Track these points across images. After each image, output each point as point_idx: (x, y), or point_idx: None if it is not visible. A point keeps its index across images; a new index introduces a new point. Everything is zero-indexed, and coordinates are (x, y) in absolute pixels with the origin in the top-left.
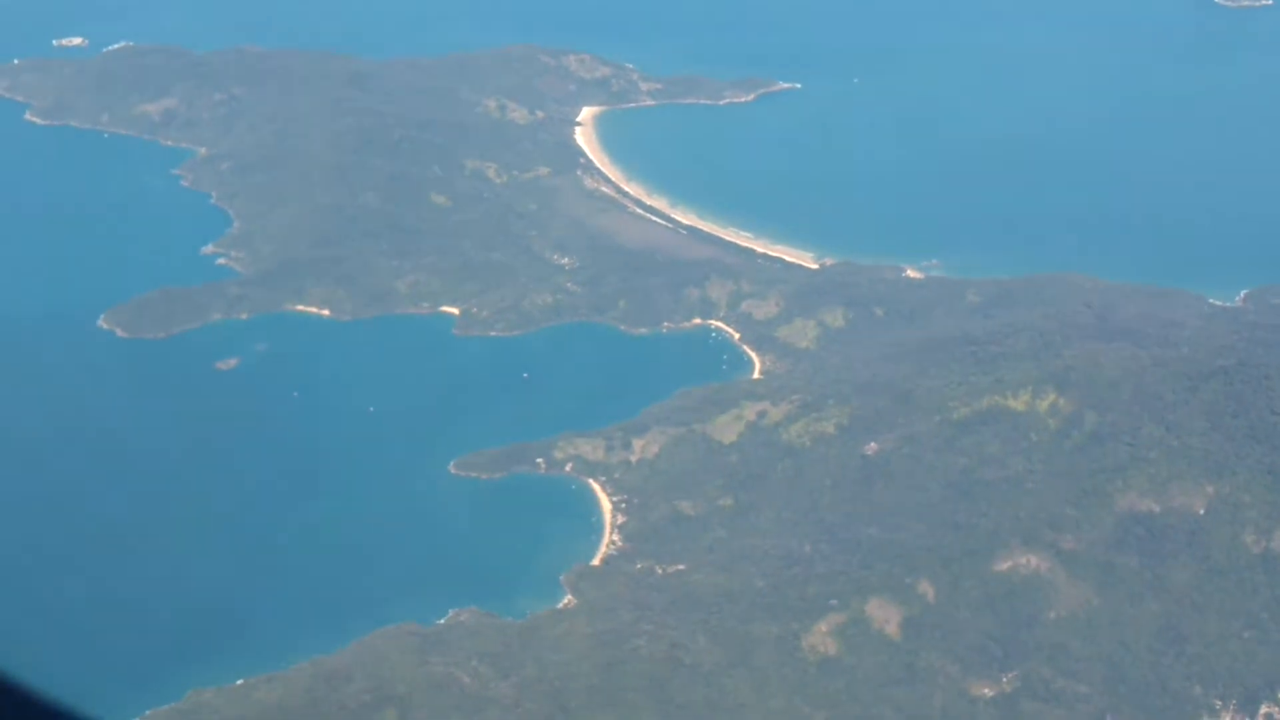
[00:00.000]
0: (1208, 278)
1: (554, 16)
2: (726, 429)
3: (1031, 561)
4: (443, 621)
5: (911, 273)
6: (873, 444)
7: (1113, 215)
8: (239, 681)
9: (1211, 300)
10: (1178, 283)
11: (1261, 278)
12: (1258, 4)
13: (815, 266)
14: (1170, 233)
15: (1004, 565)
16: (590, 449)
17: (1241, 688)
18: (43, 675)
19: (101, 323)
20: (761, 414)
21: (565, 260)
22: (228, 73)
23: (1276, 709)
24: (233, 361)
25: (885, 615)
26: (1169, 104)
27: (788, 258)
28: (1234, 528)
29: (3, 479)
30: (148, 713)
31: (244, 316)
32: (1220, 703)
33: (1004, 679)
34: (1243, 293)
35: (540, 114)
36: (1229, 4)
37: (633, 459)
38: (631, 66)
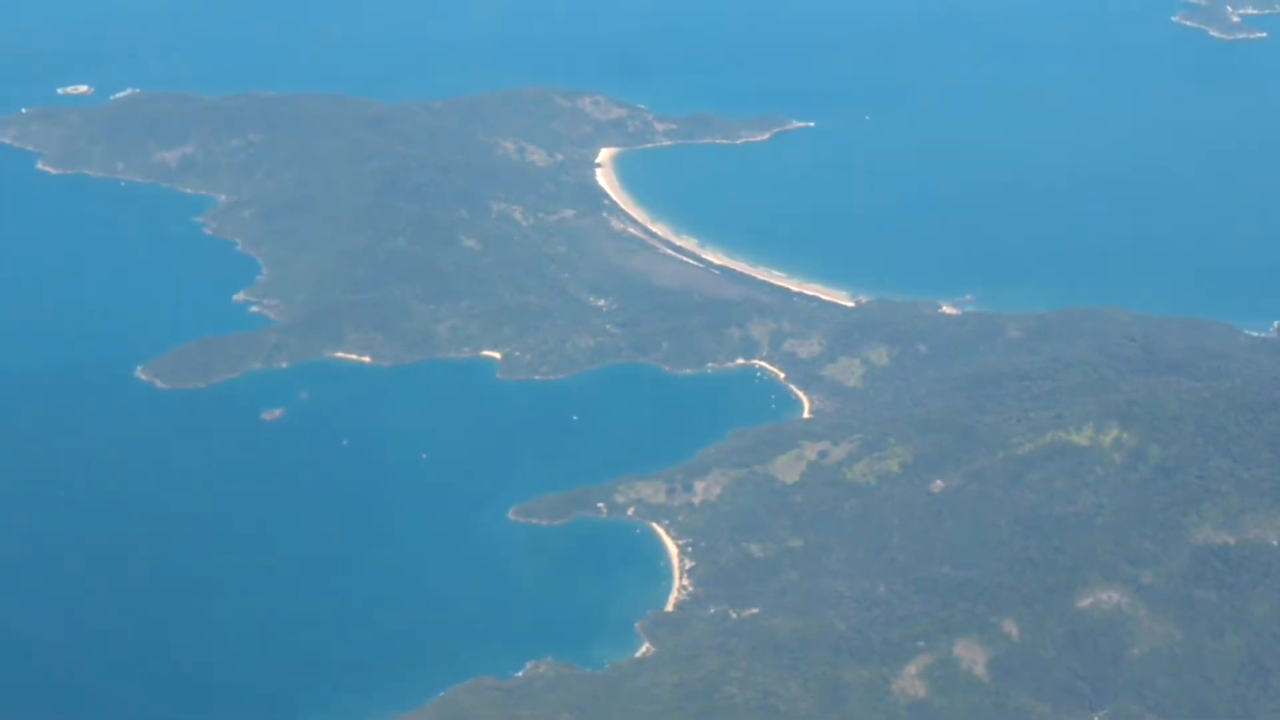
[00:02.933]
0: (1239, 308)
1: (563, 58)
2: (788, 469)
3: (1112, 597)
4: (520, 674)
5: (947, 309)
6: (939, 481)
7: (1139, 247)
8: None
9: (1248, 331)
10: (1210, 314)
11: None
12: (1251, 37)
13: (851, 304)
14: (1198, 263)
15: (1085, 602)
16: (651, 492)
17: None
18: None
19: (140, 374)
20: (823, 453)
21: (601, 302)
22: (243, 118)
23: None
24: (278, 412)
25: (972, 656)
26: (1181, 135)
27: (823, 296)
28: None
29: (57, 538)
30: None
31: (284, 365)
32: None
33: (1095, 718)
34: (1276, 323)
35: (559, 156)
36: (1223, 37)
37: (695, 501)
38: (645, 107)
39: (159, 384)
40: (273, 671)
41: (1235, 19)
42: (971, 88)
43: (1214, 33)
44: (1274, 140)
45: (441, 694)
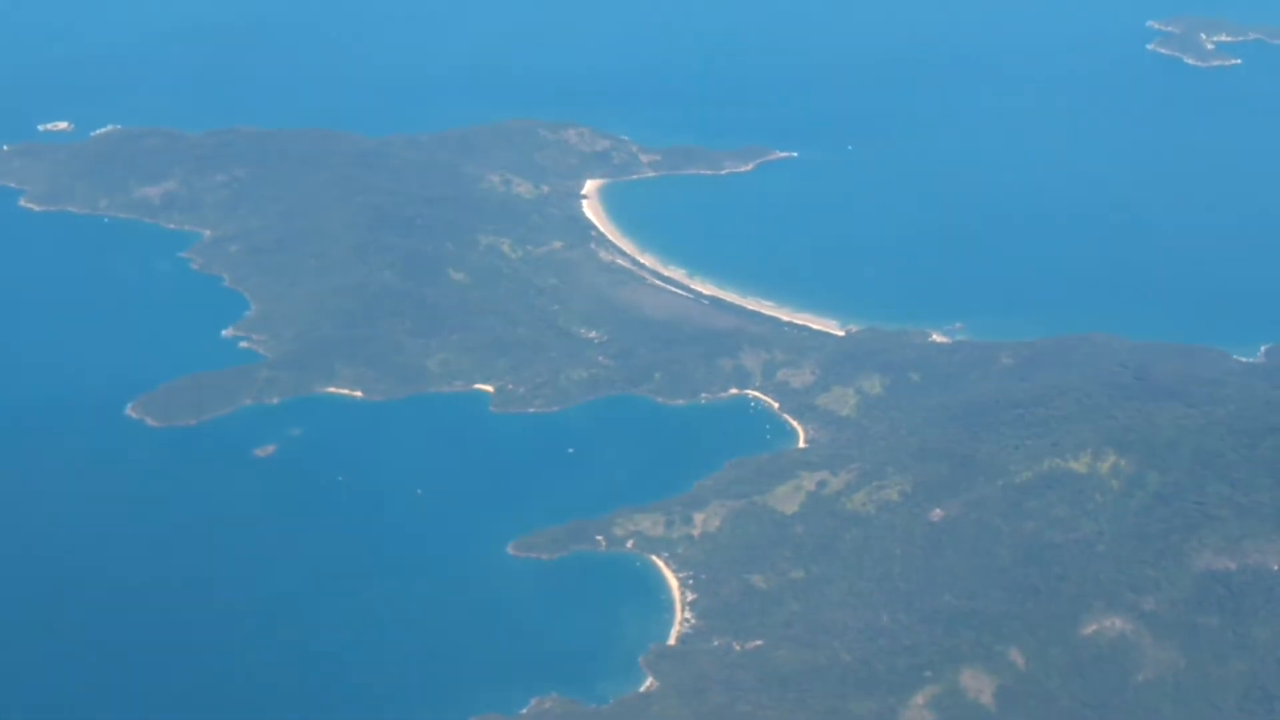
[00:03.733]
0: (1226, 334)
1: (547, 91)
2: (787, 500)
3: (1115, 624)
4: (526, 711)
5: (938, 337)
6: (938, 510)
7: (1125, 274)
8: None
9: (1236, 357)
10: (1198, 339)
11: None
12: (1226, 64)
13: (842, 333)
14: (1184, 289)
15: (1089, 629)
16: (650, 524)
17: None
18: None
19: (130, 411)
20: (821, 483)
21: (593, 334)
22: (227, 154)
23: None
24: (270, 448)
25: (979, 685)
26: (1161, 162)
27: (814, 325)
28: None
29: (49, 576)
30: None
31: (274, 401)
32: None
33: None
34: (1263, 348)
35: (545, 188)
36: (1198, 64)
37: (694, 533)
38: (628, 139)
39: (150, 421)
40: (272, 713)
41: (1210, 46)
42: (952, 118)
43: (1189, 60)
44: (1251, 166)
45: None
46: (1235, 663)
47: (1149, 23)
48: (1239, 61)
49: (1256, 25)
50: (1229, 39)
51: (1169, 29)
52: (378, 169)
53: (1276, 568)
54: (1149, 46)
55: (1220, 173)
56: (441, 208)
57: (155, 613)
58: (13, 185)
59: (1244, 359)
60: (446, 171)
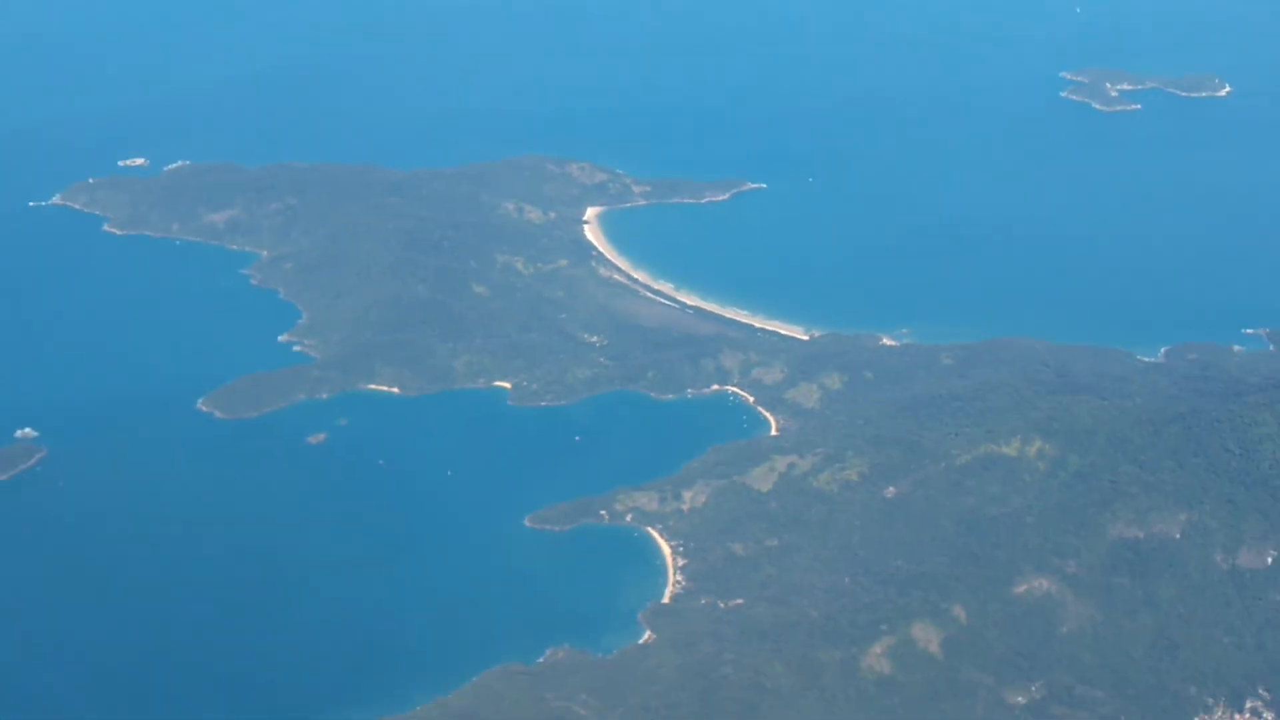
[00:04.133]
0: (1129, 337)
1: (551, 131)
2: (763, 479)
3: (1042, 584)
4: (542, 660)
5: (887, 340)
6: (891, 488)
7: (1044, 286)
8: None
9: (1140, 357)
10: (1106, 342)
11: (1176, 337)
12: (1127, 109)
13: (806, 338)
14: (1093, 299)
15: (1020, 589)
16: (646, 501)
17: (1228, 686)
18: None
19: (200, 406)
20: (791, 465)
21: (595, 339)
22: (280, 185)
23: (1259, 703)
24: (321, 436)
25: (928, 637)
26: (1074, 192)
27: (782, 331)
28: (1205, 550)
29: (136, 550)
30: None
31: (324, 396)
32: (1212, 700)
33: (1033, 688)
34: (1163, 349)
35: (552, 214)
36: (1104, 109)
37: (684, 508)
38: (623, 172)
39: (217, 414)
40: (326, 663)
41: (1114, 94)
42: (898, 153)
43: (1096, 105)
44: (1149, 194)
45: (475, 678)
46: (1144, 617)
47: (1062, 73)
48: (1139, 107)
49: (1153, 75)
50: (1130, 87)
51: (1079, 79)
52: (409, 198)
53: (1178, 536)
54: (1062, 94)
55: (1123, 200)
56: (464, 231)
57: (230, 573)
58: (97, 212)
59: (1146, 359)
60: (468, 200)
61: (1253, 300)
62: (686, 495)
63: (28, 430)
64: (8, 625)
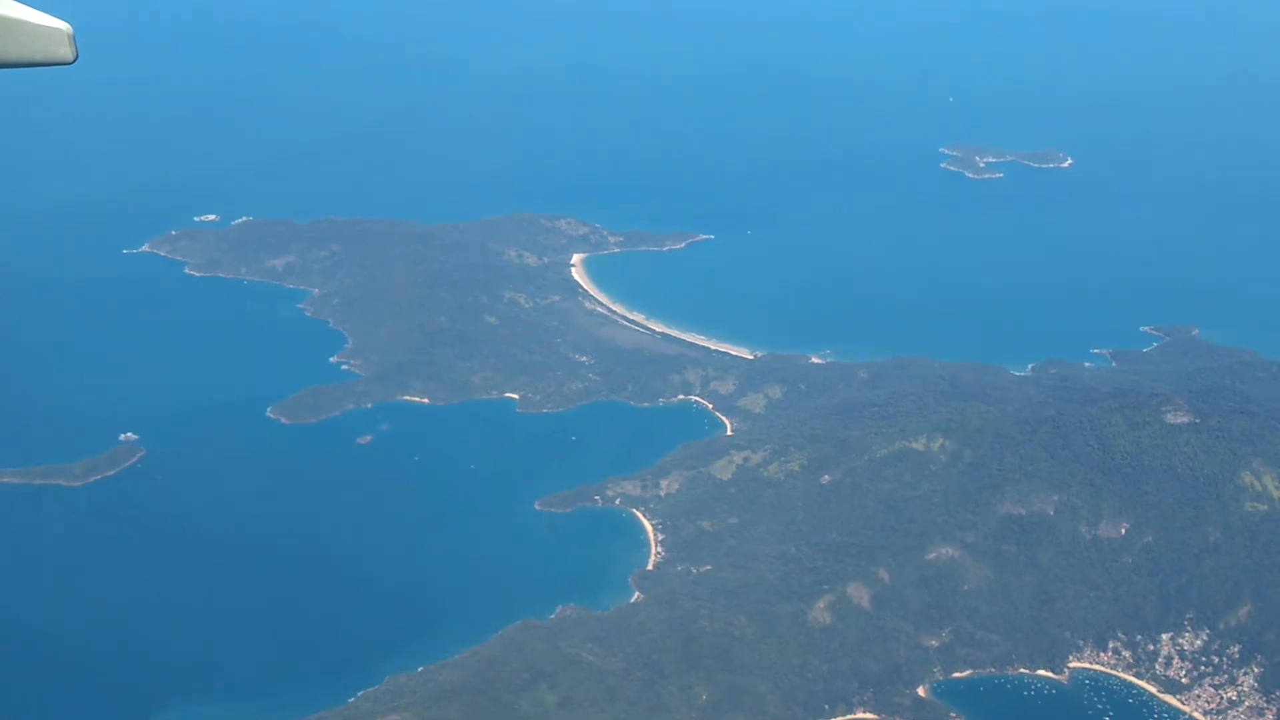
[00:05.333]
0: (1003, 355)
1: (543, 193)
2: (723, 470)
3: (948, 552)
4: (554, 616)
5: (815, 359)
6: (826, 476)
7: (936, 315)
8: (420, 669)
9: (1012, 371)
10: (987, 359)
11: (1039, 355)
12: (993, 176)
13: (751, 357)
14: (973, 326)
15: (931, 555)
16: (631, 488)
17: (1094, 631)
18: (272, 669)
19: (269, 413)
20: (746, 459)
21: (584, 358)
22: (327, 236)
23: (1119, 644)
24: (368, 438)
25: (860, 594)
26: (950, 241)
27: (731, 352)
28: (1073, 523)
29: (219, 534)
30: (359, 693)
31: (369, 405)
32: (1082, 642)
33: (943, 633)
34: (1030, 365)
35: (546, 259)
36: (975, 177)
37: (661, 494)
38: (600, 225)
39: (283, 420)
40: (378, 620)
41: (982, 165)
42: (816, 211)
43: (969, 174)
44: (1010, 244)
45: (501, 631)
46: (1027, 576)
47: (940, 148)
48: (1001, 175)
49: (1013, 150)
50: (994, 159)
51: (954, 153)
52: (432, 246)
53: (1052, 513)
54: (942, 164)
55: (992, 248)
56: (477, 272)
57: (298, 548)
58: (179, 258)
59: (1017, 373)
60: (479, 248)
61: (1097, 326)
62: (663, 483)
63: (130, 435)
64: (109, 596)
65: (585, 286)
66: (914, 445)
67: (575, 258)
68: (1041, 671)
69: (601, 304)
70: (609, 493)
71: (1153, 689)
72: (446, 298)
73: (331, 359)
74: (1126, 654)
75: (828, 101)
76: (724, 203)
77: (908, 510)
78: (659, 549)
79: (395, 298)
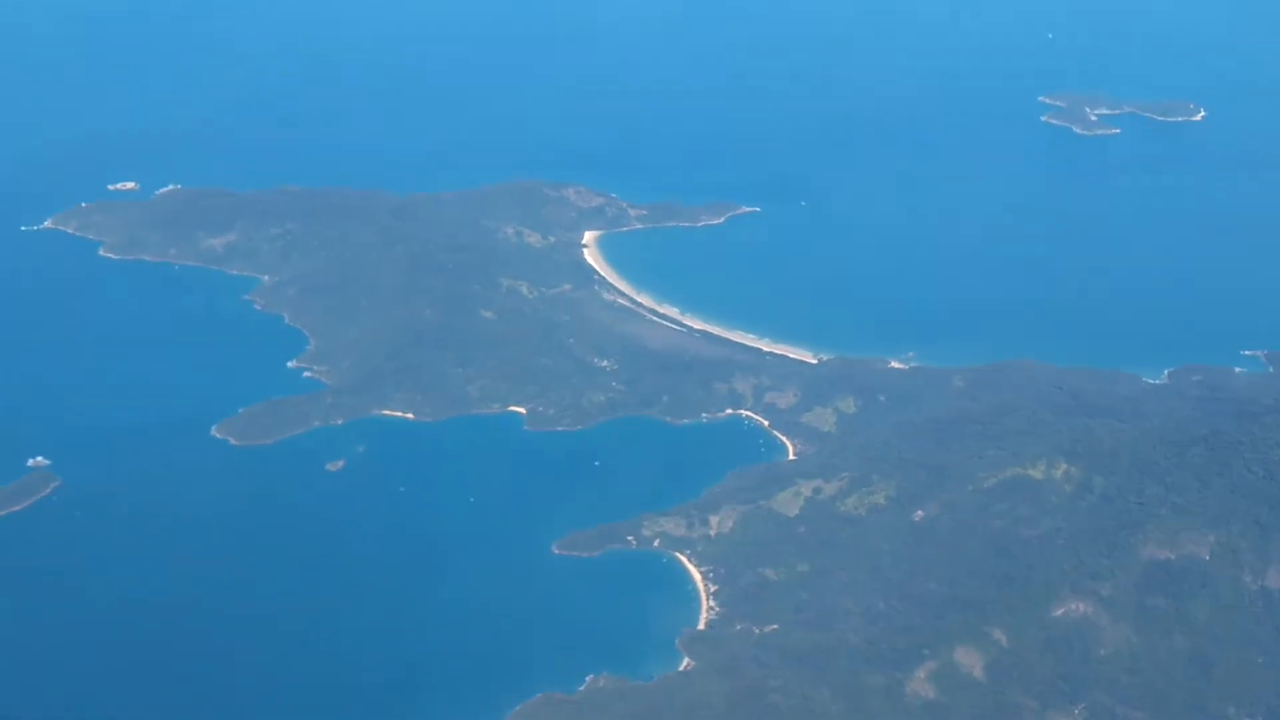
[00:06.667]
0: (1131, 359)
1: (546, 156)
2: (789, 504)
3: (1079, 607)
4: (583, 688)
5: (895, 364)
6: (919, 511)
7: (1041, 310)
8: None
9: (1145, 378)
10: (1109, 364)
11: (1176, 359)
12: (1107, 133)
13: (815, 361)
14: (1091, 322)
15: (1058, 611)
16: (672, 526)
17: (1264, 705)
18: None
19: (215, 432)
20: (817, 490)
21: (605, 363)
22: (279, 209)
23: None
24: (340, 463)
25: (970, 660)
26: (1060, 215)
27: (790, 354)
28: (1235, 570)
29: (154, 579)
30: None
31: (339, 422)
32: (1249, 719)
33: (1076, 711)
34: (1166, 371)
35: (551, 238)
36: (1084, 133)
37: (711, 533)
38: (617, 196)
39: (232, 441)
40: (360, 697)
41: (1093, 118)
42: (886, 177)
43: (1077, 129)
44: (1132, 217)
45: (516, 708)
46: (1179, 638)
47: (1040, 98)
48: (1118, 131)
49: (1130, 100)
50: (1108, 112)
51: (1057, 103)
52: (410, 222)
53: (1208, 557)
54: (1043, 118)
55: (1109, 222)
56: (467, 254)
57: (257, 604)
58: (92, 237)
59: (1151, 380)
60: (468, 224)
61: (1247, 322)
62: (713, 520)
63: (40, 459)
64: (21, 660)
65: (601, 271)
66: (1030, 472)
67: (587, 236)
68: None
69: (623, 294)
70: (645, 532)
71: None
72: (431, 287)
73: (290, 364)
74: None
75: (897, 42)
76: (772, 167)
77: (1025, 554)
78: (711, 603)
79: (367, 287)
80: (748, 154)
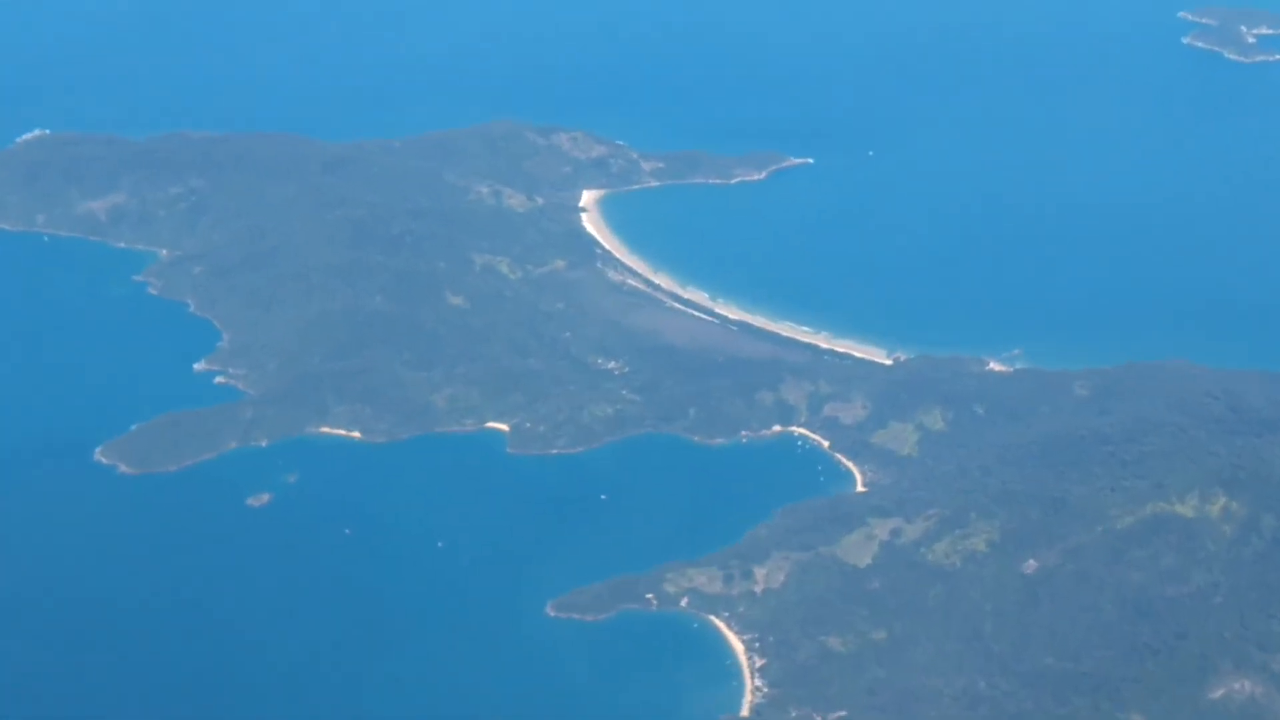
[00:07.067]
0: None
1: (533, 90)
2: (858, 550)
3: (1245, 686)
4: None
5: (996, 365)
6: (1032, 561)
7: (1194, 293)
8: None
9: None
10: None
11: None
12: (1271, 58)
13: (889, 362)
14: (1263, 309)
15: (1217, 693)
16: (705, 580)
17: None
18: None
19: (100, 456)
20: (895, 532)
21: (612, 365)
22: (178, 162)
23: None
24: (265, 497)
25: None
26: (1212, 168)
27: (856, 353)
28: None
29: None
30: None
31: (263, 443)
32: None
33: None
34: None
35: (539, 200)
36: (1240, 59)
37: (757, 590)
38: (626, 144)
39: (123, 468)
40: None
41: (1251, 39)
42: (979, 119)
43: (1230, 55)
44: None
45: None
46: None
47: (1181, 14)
48: None
49: None
50: (1269, 31)
51: (1204, 20)
52: (352, 178)
53: None
54: (1185, 39)
55: (1276, 178)
56: (428, 222)
57: (164, 683)
58: None
59: None
60: (428, 181)
61: None
62: (759, 573)
63: None
64: None
65: (605, 244)
66: (1178, 509)
67: (586, 196)
68: None
69: (633, 273)
70: (669, 588)
71: None
72: (382, 264)
73: (197, 366)
74: None
75: None
76: (827, 107)
77: (1173, 618)
78: (757, 682)
79: (297, 265)
80: (796, 87)
